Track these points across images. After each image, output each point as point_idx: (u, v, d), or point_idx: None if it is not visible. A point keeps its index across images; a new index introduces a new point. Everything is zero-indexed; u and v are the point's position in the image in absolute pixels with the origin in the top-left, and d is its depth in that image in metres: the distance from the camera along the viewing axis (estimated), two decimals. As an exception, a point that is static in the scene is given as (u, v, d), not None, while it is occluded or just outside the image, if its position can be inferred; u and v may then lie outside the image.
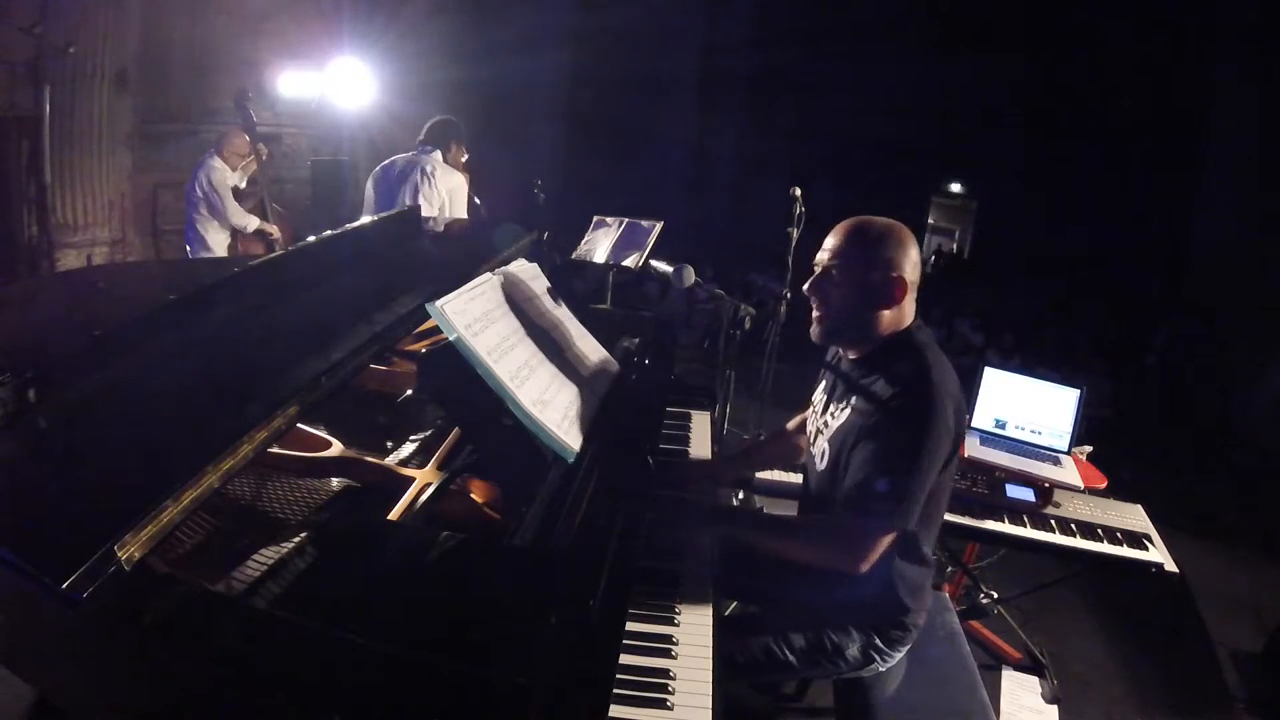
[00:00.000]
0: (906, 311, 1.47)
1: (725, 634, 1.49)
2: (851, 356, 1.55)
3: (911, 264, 1.44)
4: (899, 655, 1.58)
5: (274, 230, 4.15)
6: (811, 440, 1.62)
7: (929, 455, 1.33)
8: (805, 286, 1.51)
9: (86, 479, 1.00)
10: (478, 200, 3.80)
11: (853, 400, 1.47)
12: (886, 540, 1.36)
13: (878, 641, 1.53)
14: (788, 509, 2.33)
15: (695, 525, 1.54)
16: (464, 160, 3.57)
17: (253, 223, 4.09)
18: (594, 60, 6.51)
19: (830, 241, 1.49)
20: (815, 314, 1.51)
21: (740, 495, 2.64)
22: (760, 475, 2.15)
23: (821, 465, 1.53)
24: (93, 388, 1.16)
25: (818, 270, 1.50)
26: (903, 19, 6.00)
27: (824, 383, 1.66)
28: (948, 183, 5.76)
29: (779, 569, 1.54)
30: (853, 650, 1.53)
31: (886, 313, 1.45)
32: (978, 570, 2.63)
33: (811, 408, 1.69)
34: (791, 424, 1.92)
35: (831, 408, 1.55)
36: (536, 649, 0.90)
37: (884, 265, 1.43)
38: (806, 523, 1.51)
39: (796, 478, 2.13)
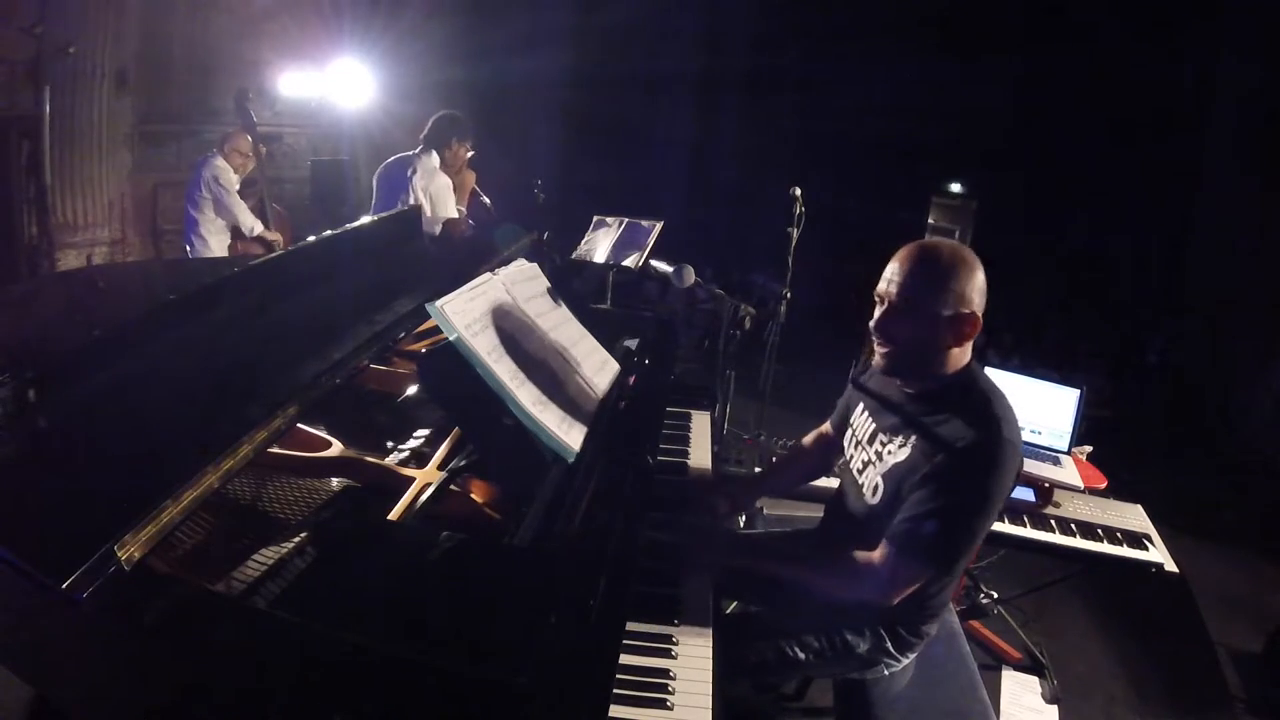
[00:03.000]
0: (969, 345, 1.41)
1: (734, 635, 1.49)
2: (907, 389, 1.48)
3: (980, 294, 1.36)
4: (906, 660, 1.58)
5: (275, 236, 4.14)
6: (858, 470, 1.55)
7: (988, 513, 1.32)
8: (872, 324, 1.43)
9: (87, 479, 1.00)
10: (486, 200, 3.80)
11: (913, 439, 1.40)
12: (919, 581, 1.36)
13: (888, 645, 1.53)
14: (789, 509, 2.33)
15: (722, 555, 1.52)
16: (468, 157, 3.56)
17: (257, 226, 4.08)
18: (594, 60, 6.50)
19: (894, 272, 1.39)
20: (880, 349, 1.44)
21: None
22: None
23: (874, 499, 1.46)
24: (93, 388, 1.16)
25: (881, 303, 1.42)
26: (903, 19, 5.99)
27: (865, 407, 1.59)
28: (948, 183, 5.74)
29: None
30: (862, 649, 1.52)
31: (956, 349, 1.39)
32: (978, 570, 2.63)
33: (850, 430, 1.63)
34: (807, 439, 1.89)
35: (883, 439, 1.48)
36: (536, 649, 0.90)
37: (955, 301, 1.34)
38: (837, 559, 1.45)
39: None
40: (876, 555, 1.37)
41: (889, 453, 1.45)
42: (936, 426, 1.37)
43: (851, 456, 1.60)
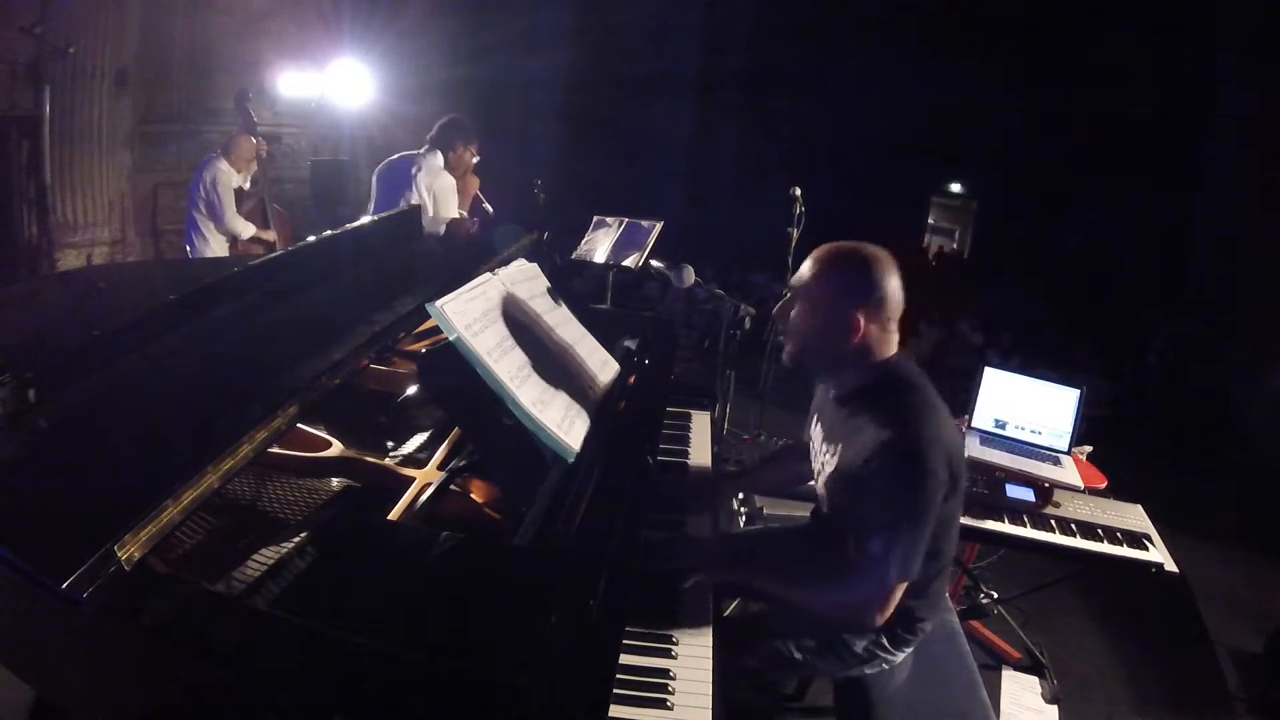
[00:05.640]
0: (877, 347, 1.41)
1: (734, 637, 1.50)
2: (832, 394, 1.53)
3: (876, 300, 1.38)
4: (904, 654, 1.58)
5: (272, 236, 4.14)
6: (815, 477, 1.60)
7: (921, 510, 1.32)
8: (774, 310, 1.51)
9: (86, 479, 1.00)
10: (488, 206, 3.80)
11: (839, 445, 1.46)
12: (899, 592, 1.37)
13: (884, 641, 1.53)
14: (789, 509, 2.33)
15: (717, 573, 1.52)
16: (473, 162, 3.56)
17: (248, 230, 4.07)
18: (594, 60, 6.51)
19: (802, 267, 1.46)
20: (782, 339, 1.51)
21: (741, 496, 2.64)
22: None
23: (825, 509, 1.54)
24: (93, 387, 1.17)
25: (785, 295, 1.50)
26: (902, 19, 6.00)
27: (818, 420, 1.63)
28: (948, 183, 5.74)
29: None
30: (860, 647, 1.53)
31: (849, 345, 1.40)
32: (978, 570, 2.63)
33: (811, 445, 1.67)
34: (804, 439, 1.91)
35: (824, 448, 1.54)
36: (536, 649, 0.90)
37: (839, 298, 1.39)
38: (819, 579, 1.48)
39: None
40: (851, 581, 1.40)
41: (827, 462, 1.50)
42: (855, 431, 1.41)
43: (813, 468, 1.64)
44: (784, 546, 1.85)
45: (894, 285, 1.40)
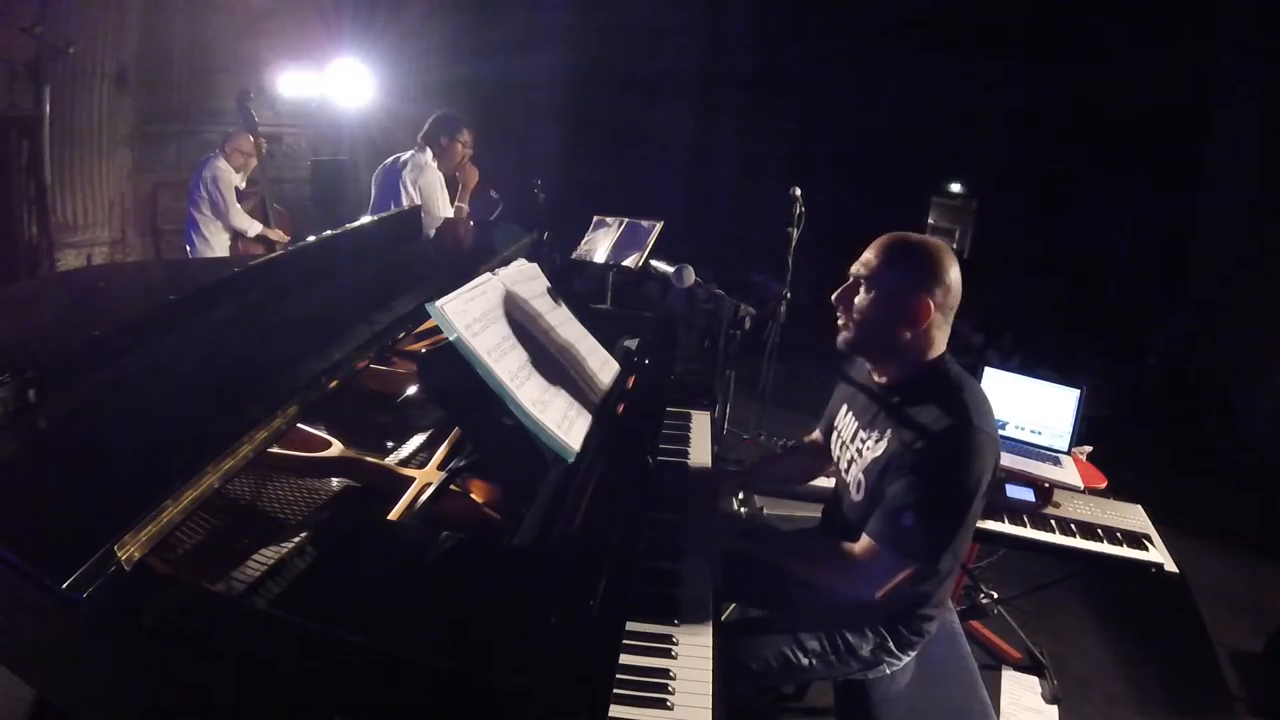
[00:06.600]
0: (936, 339, 1.44)
1: (737, 640, 1.51)
2: (882, 381, 1.52)
3: (943, 288, 1.40)
4: (908, 658, 1.58)
5: (277, 234, 4.15)
6: (844, 468, 1.60)
7: (966, 503, 1.33)
8: (834, 295, 1.50)
9: (86, 479, 1.00)
10: (494, 193, 3.79)
11: (888, 432, 1.44)
12: (903, 574, 1.38)
13: (890, 644, 1.53)
14: (789, 509, 2.34)
15: (723, 536, 1.54)
16: (467, 154, 3.56)
17: (254, 228, 4.08)
18: (594, 60, 6.50)
19: (866, 254, 1.47)
20: (840, 322, 1.50)
21: (741, 496, 2.64)
22: (761, 475, 2.14)
23: (858, 496, 1.51)
24: (93, 387, 1.16)
25: (849, 280, 1.49)
26: (903, 19, 5.99)
27: (847, 405, 1.62)
28: (948, 183, 5.74)
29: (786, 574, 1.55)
30: (865, 650, 1.53)
31: (909, 334, 1.42)
32: (978, 570, 2.64)
33: (836, 432, 1.66)
34: (809, 438, 1.91)
35: (863, 435, 1.52)
36: (536, 649, 0.90)
37: (910, 284, 1.40)
38: (829, 550, 1.50)
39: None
40: (859, 548, 1.40)
41: (868, 448, 1.49)
42: (909, 417, 1.41)
43: (839, 458, 1.63)
44: (797, 535, 1.86)
45: (957, 275, 1.42)
